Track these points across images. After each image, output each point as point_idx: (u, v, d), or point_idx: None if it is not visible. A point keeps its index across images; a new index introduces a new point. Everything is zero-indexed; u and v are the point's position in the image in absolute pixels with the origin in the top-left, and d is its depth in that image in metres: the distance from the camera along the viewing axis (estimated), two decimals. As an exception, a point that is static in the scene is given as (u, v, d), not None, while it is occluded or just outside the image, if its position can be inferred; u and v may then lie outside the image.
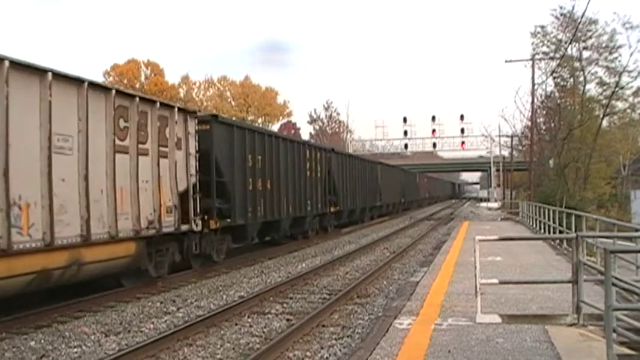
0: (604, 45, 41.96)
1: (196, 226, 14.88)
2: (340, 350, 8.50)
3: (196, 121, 15.38)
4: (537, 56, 43.07)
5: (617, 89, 41.74)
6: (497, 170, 69.68)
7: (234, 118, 48.95)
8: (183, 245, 14.83)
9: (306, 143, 26.95)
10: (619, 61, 41.85)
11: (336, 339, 9.15)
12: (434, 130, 65.15)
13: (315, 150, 26.41)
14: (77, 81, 11.06)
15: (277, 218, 21.00)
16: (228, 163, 17.27)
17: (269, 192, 20.09)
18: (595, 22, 41.46)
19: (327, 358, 8.24)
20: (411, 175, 59.03)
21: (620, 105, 45.35)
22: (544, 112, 49.94)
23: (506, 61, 60.72)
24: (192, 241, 15.05)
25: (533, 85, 41.38)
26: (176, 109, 14.47)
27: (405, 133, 65.09)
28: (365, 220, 36.92)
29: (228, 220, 16.97)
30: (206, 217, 15.60)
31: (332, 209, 28.16)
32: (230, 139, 17.48)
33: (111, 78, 69.92)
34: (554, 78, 44.69)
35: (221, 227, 16.37)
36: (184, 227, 14.38)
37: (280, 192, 21.23)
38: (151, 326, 10.18)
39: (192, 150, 15.03)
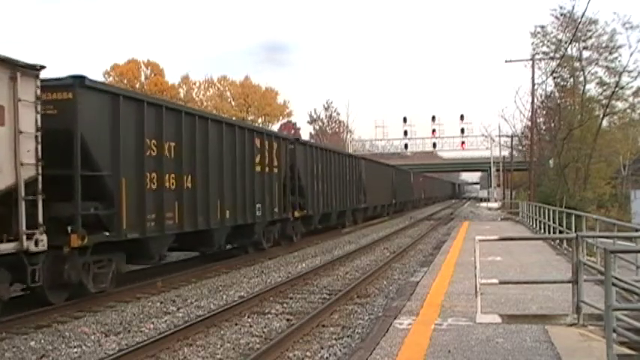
0: (604, 45, 42.04)
1: (36, 244, 9.90)
2: (340, 350, 8.51)
3: (37, 83, 10.21)
4: (537, 56, 43.14)
5: (617, 89, 41.78)
6: (497, 170, 69.72)
7: (234, 117, 48.11)
8: (27, 272, 9.98)
9: (254, 129, 20.24)
10: (619, 61, 41.97)
11: (336, 339, 9.16)
12: (434, 130, 65.24)
13: (268, 138, 20.30)
14: None
15: (205, 227, 15.52)
16: (109, 149, 12.06)
17: (189, 192, 14.67)
18: (595, 22, 41.56)
19: (327, 358, 8.25)
20: (404, 173, 55.24)
21: (620, 105, 45.46)
22: (544, 112, 49.99)
23: (506, 61, 60.85)
24: (33, 267, 10.06)
25: (533, 85, 41.42)
26: None
27: (405, 133, 65.17)
28: (346, 226, 31.99)
29: (107, 234, 11.89)
30: (70, 229, 10.91)
31: (296, 214, 22.74)
32: (113, 115, 12.17)
33: (111, 78, 69.98)
34: (554, 78, 44.79)
35: (94, 244, 11.47)
36: (6, 247, 9.50)
37: (209, 192, 15.61)
38: (151, 326, 10.18)
39: (29, 127, 9.98)
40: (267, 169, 19.83)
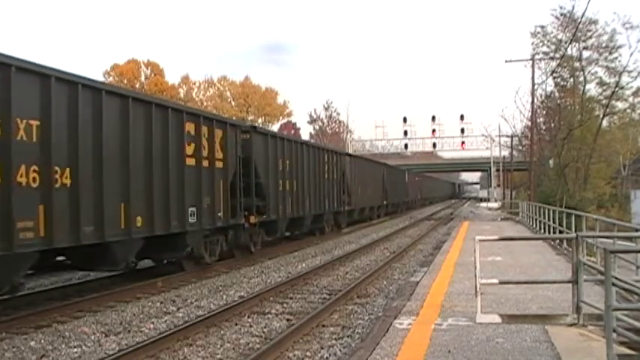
0: (604, 45, 42.08)
1: None
2: (340, 350, 8.51)
3: None
4: (537, 56, 43.16)
5: (617, 89, 41.83)
6: (497, 170, 69.73)
7: (234, 117, 47.79)
8: None
9: (183, 111, 14.94)
10: (619, 61, 42.03)
11: (336, 339, 9.16)
12: (434, 130, 65.19)
13: (208, 124, 15.64)
14: None
15: (97, 240, 11.30)
16: None
17: (64, 191, 10.53)
18: (595, 22, 41.62)
19: (327, 358, 8.25)
20: (398, 172, 51.65)
21: (620, 105, 45.53)
22: (544, 112, 50.01)
23: (506, 61, 60.95)
24: None
25: (533, 85, 41.41)
26: None
27: (405, 133, 65.11)
28: (325, 232, 27.61)
29: None
30: None
31: (252, 219, 18.48)
32: None
33: (111, 78, 69.99)
34: (554, 78, 44.82)
35: None
36: None
37: (104, 192, 11.43)
38: (151, 326, 10.18)
39: None
40: (205, 162, 15.38)
